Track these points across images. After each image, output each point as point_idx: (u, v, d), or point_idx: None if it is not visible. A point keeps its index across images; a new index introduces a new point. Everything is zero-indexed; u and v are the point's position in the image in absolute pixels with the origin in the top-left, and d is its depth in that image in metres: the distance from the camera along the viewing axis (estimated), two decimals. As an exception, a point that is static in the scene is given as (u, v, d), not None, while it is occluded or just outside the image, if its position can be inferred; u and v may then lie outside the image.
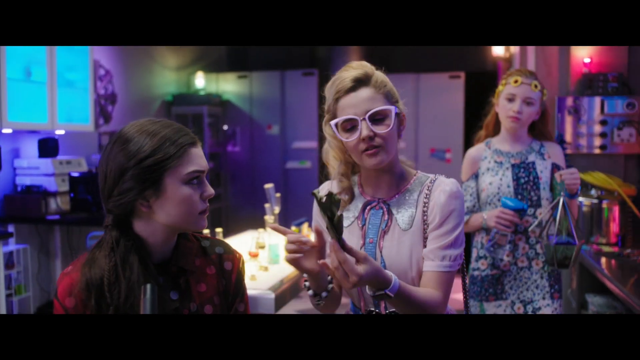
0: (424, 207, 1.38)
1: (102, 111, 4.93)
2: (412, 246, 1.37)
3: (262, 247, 2.66)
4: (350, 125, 1.35)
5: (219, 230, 2.58)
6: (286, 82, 6.38)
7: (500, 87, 2.32)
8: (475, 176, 2.36)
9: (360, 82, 1.35)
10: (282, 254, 2.86)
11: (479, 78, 6.23)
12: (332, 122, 1.38)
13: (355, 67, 1.38)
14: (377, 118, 1.34)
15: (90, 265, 1.22)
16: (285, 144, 6.41)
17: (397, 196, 1.42)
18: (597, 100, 3.44)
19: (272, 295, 2.32)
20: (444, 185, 1.38)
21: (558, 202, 2.13)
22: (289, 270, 2.66)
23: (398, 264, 1.37)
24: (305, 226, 2.99)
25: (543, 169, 2.30)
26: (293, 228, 2.91)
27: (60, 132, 4.22)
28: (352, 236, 1.43)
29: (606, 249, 2.97)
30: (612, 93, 3.45)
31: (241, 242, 2.95)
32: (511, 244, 2.27)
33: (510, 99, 2.25)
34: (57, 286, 1.24)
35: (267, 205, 2.94)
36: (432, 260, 1.35)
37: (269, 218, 2.87)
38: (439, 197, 1.37)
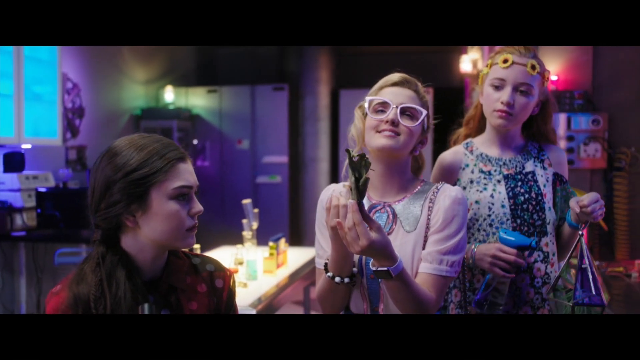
0: (429, 210, 1.41)
1: (70, 125, 4.83)
2: (415, 247, 1.40)
3: (241, 263, 2.64)
4: (381, 108, 1.44)
5: (196, 246, 2.55)
6: (256, 97, 6.38)
7: (484, 70, 1.72)
8: None
9: (407, 82, 1.46)
10: (260, 269, 2.85)
11: (446, 94, 6.35)
12: (369, 97, 1.46)
13: (404, 74, 1.49)
14: (407, 113, 1.43)
15: (77, 281, 1.20)
16: (255, 158, 6.39)
17: (402, 201, 1.45)
18: (564, 116, 3.55)
19: (254, 312, 2.30)
20: (449, 191, 1.43)
21: (577, 245, 1.55)
22: (266, 287, 2.65)
23: None
24: (282, 241, 2.99)
25: (545, 182, 1.70)
26: (270, 244, 2.90)
27: (26, 146, 4.12)
28: None
29: (574, 261, 3.04)
30: (578, 110, 3.57)
31: (217, 258, 2.91)
32: (512, 286, 1.65)
33: (498, 87, 1.64)
34: (45, 306, 1.21)
35: (244, 221, 2.93)
36: (431, 263, 1.37)
37: (246, 234, 2.85)
38: (444, 201, 1.41)
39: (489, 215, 1.66)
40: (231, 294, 1.36)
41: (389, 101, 1.42)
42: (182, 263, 1.31)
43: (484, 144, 1.74)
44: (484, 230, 1.66)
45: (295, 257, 3.28)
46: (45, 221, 3.96)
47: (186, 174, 1.22)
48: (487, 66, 1.69)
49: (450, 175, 1.72)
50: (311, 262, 3.26)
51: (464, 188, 1.70)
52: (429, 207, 1.41)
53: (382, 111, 1.43)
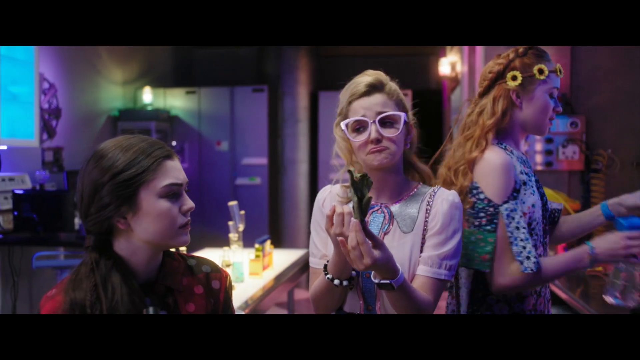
0: (426, 213, 1.42)
1: (46, 126, 4.74)
2: (412, 248, 1.40)
3: (229, 265, 2.62)
4: (359, 126, 1.42)
5: (182, 248, 2.52)
6: (235, 98, 6.34)
7: (536, 74, 1.60)
8: (515, 193, 1.54)
9: (374, 87, 1.42)
10: (247, 272, 2.84)
11: (424, 96, 6.41)
12: (344, 122, 1.44)
13: (370, 75, 1.44)
14: (386, 121, 1.40)
15: (74, 286, 1.18)
16: (234, 160, 6.35)
17: (399, 202, 1.46)
18: (543, 119, 3.60)
19: (243, 314, 2.29)
20: (446, 195, 1.43)
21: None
22: (253, 290, 2.64)
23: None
24: (268, 244, 2.98)
25: None
26: (256, 246, 2.89)
27: (2, 147, 4.03)
28: None
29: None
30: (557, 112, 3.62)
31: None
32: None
33: (552, 95, 1.61)
34: (39, 310, 1.19)
35: (230, 223, 2.91)
36: (431, 266, 1.38)
37: (233, 236, 2.84)
38: (441, 204, 1.41)
39: (542, 218, 1.61)
40: (228, 295, 1.35)
41: (364, 118, 1.40)
42: (178, 264, 1.30)
43: (512, 145, 1.65)
44: (536, 234, 1.59)
45: (280, 259, 3.28)
46: (22, 224, 3.88)
47: (174, 171, 1.22)
48: (538, 71, 1.59)
49: (510, 175, 1.54)
50: (295, 264, 3.26)
51: (520, 191, 1.55)
52: (427, 209, 1.42)
53: (361, 128, 1.41)
